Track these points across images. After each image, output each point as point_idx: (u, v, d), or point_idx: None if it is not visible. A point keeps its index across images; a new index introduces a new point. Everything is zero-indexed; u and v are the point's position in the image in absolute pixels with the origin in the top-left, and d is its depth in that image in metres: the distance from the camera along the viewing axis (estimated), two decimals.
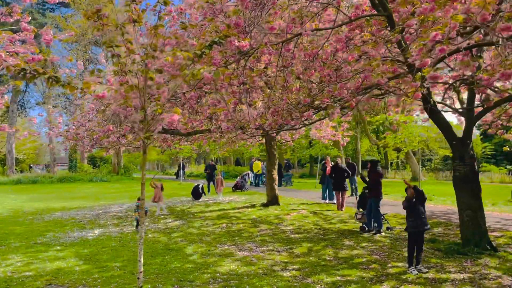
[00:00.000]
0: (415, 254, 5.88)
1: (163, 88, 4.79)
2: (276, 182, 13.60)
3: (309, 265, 6.37)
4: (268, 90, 7.39)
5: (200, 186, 16.53)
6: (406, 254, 6.86)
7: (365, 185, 9.43)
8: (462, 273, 5.75)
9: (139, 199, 9.58)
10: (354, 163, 16.50)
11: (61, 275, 6.01)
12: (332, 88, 6.59)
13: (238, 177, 20.80)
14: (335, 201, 13.98)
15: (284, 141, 16.13)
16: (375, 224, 8.83)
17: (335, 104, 6.87)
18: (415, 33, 5.16)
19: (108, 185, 27.69)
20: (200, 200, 16.13)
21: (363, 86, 6.63)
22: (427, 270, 5.78)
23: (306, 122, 7.89)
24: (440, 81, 6.47)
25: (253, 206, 13.54)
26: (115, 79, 5.10)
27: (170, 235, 9.11)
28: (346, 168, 13.06)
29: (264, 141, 14.92)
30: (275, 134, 10.89)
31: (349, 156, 21.85)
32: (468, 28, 5.43)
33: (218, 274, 6.00)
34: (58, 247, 7.91)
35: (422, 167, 22.52)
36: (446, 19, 4.01)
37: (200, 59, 4.47)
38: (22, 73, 3.97)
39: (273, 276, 5.86)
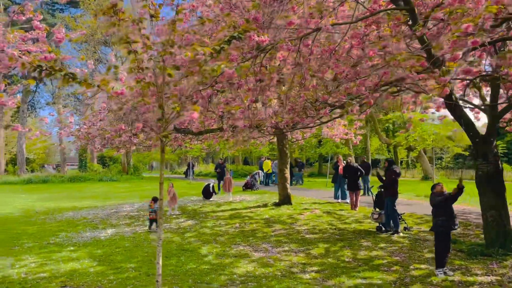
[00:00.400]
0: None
1: (180, 85, 4.66)
2: (288, 181, 13.43)
3: (328, 267, 6.20)
4: (283, 88, 7.23)
5: (211, 185, 16.40)
6: (427, 255, 6.68)
7: (380, 184, 9.25)
8: (489, 275, 5.54)
9: (154, 199, 9.48)
10: (369, 163, 16.28)
11: (75, 276, 5.91)
12: (350, 85, 6.42)
13: (249, 176, 20.64)
14: (347, 200, 13.78)
15: (295, 139, 15.95)
16: (392, 224, 8.63)
17: (353, 102, 6.72)
18: (442, 26, 4.97)
19: (118, 184, 27.70)
20: (211, 199, 16.01)
21: (381, 83, 6.45)
22: (452, 273, 5.58)
23: (322, 120, 7.71)
24: (459, 77, 6.26)
25: (265, 205, 13.38)
26: (128, 76, 4.98)
27: (183, 235, 9.00)
28: (359, 167, 12.85)
29: (275, 140, 14.78)
30: (289, 133, 10.73)
31: (364, 156, 21.55)
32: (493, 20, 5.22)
33: (235, 275, 5.86)
34: (72, 248, 7.83)
35: (433, 166, 22.19)
36: (478, 10, 3.82)
37: (218, 55, 4.34)
38: (38, 69, 3.86)
39: (292, 278, 5.71)
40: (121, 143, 11.92)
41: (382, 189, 9.04)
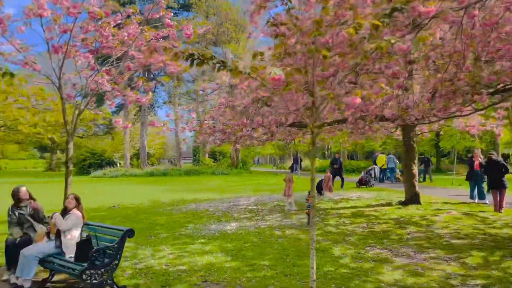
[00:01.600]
0: None
1: (327, 71, 4.18)
2: (416, 178, 12.16)
3: (496, 281, 5.18)
4: (427, 72, 6.31)
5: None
6: None
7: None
8: None
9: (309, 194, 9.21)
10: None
11: (213, 271, 5.84)
12: None
13: (363, 172, 19.53)
14: (486, 201, 12.07)
15: (419, 132, 14.49)
16: None
17: None
18: None
19: (229, 178, 28.70)
20: (325, 195, 15.41)
21: None
22: None
23: (476, 107, 6.58)
24: None
25: (390, 204, 12.33)
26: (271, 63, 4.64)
27: (309, 232, 8.58)
28: (504, 162, 11.07)
29: (396, 132, 13.57)
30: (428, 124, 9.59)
31: (492, 151, 18.88)
32: None
33: (382, 284, 5.21)
34: (202, 240, 7.93)
35: None
36: None
37: (377, 32, 3.73)
38: (191, 59, 3.70)
39: None
40: (241, 138, 12.00)
41: None
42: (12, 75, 6.75)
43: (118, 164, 38.85)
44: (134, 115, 43.63)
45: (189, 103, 35.04)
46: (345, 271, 5.80)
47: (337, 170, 17.56)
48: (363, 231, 8.64)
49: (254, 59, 4.15)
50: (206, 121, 12.17)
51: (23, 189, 5.84)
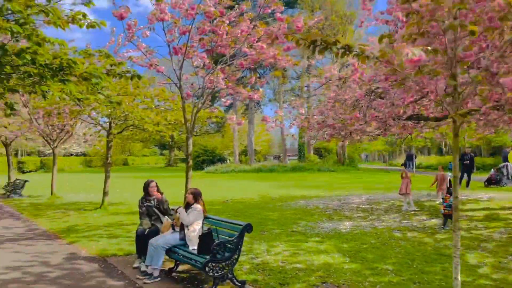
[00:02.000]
0: None
1: (474, 48, 3.58)
2: None
3: None
4: None
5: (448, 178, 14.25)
6: None
7: None
8: None
9: (450, 192, 8.25)
10: None
11: (332, 272, 5.54)
12: None
13: (493, 170, 17.25)
14: None
15: None
16: None
17: None
18: None
19: (336, 175, 27.97)
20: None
21: None
22: None
23: None
24: None
25: None
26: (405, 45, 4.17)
27: (433, 236, 7.75)
28: None
29: None
30: None
31: None
32: None
33: None
34: (316, 238, 7.68)
35: None
36: None
37: None
38: (313, 45, 3.47)
39: None
40: (351, 133, 11.44)
41: None
42: (139, 77, 7.29)
43: (228, 161, 40.76)
44: (242, 113, 45.28)
45: (294, 99, 35.12)
46: (487, 282, 5.02)
47: (467, 166, 15.72)
48: (501, 237, 7.50)
49: (380, 42, 3.75)
50: (314, 116, 11.88)
51: (153, 183, 6.24)
